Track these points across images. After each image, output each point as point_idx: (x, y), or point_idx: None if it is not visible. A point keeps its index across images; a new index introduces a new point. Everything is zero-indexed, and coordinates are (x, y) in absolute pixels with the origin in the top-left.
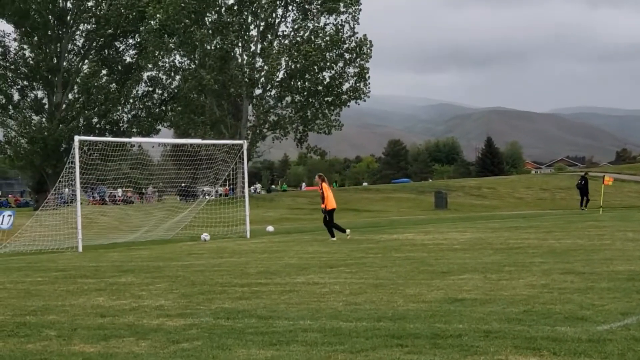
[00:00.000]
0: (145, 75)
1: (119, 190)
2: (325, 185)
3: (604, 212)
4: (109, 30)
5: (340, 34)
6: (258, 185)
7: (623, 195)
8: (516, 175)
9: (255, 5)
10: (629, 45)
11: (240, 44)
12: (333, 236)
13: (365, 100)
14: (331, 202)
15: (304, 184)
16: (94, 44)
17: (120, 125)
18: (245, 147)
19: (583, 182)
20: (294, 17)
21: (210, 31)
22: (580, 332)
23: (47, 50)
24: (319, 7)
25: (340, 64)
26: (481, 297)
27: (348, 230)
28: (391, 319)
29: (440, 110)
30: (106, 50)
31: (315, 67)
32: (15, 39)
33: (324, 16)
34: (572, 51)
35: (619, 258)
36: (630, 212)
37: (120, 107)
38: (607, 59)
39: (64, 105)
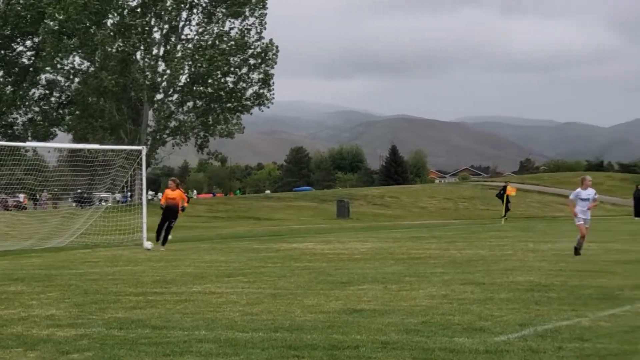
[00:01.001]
0: (43, 77)
1: (21, 195)
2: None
3: (506, 222)
4: (6, 32)
5: (245, 38)
6: (151, 193)
7: (526, 206)
8: (420, 185)
9: (159, 7)
10: (538, 55)
11: (142, 47)
12: (165, 241)
13: (268, 107)
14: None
15: (195, 191)
16: None
17: (15, 128)
18: (144, 152)
19: (502, 192)
20: (199, 20)
21: (112, 33)
22: (477, 343)
23: None
24: (224, 10)
25: (245, 69)
26: (380, 308)
27: (163, 248)
28: (288, 330)
29: (346, 117)
30: (2, 51)
31: (219, 72)
32: None
33: (229, 20)
34: (481, 60)
35: (519, 269)
36: (532, 222)
37: (15, 110)
38: (516, 69)
39: None
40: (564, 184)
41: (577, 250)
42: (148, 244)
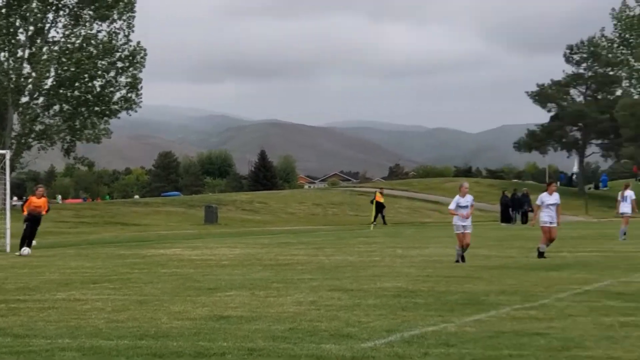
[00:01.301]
0: None
1: None
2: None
3: (375, 228)
4: None
5: (113, 42)
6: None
7: (394, 212)
8: (289, 190)
9: (24, 8)
10: (409, 61)
11: (7, 49)
12: (29, 246)
13: (136, 111)
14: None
15: (60, 196)
16: None
17: None
18: (8, 157)
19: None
20: (65, 22)
21: None
22: (344, 349)
23: None
24: (91, 13)
25: (112, 72)
26: (247, 315)
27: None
28: (154, 337)
29: (215, 121)
30: None
31: (86, 75)
32: None
33: (97, 23)
34: (351, 65)
35: (387, 275)
36: (401, 228)
37: None
38: (386, 74)
39: None
40: (432, 189)
41: (460, 258)
42: (25, 250)
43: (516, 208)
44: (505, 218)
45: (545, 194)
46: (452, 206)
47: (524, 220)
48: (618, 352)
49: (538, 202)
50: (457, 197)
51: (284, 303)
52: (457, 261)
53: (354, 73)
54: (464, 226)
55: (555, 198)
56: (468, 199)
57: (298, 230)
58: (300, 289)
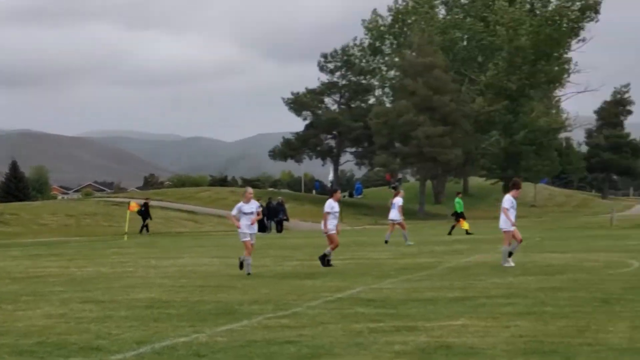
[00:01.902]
0: None
1: None
2: None
3: (129, 239)
4: None
5: None
6: None
7: (149, 222)
8: (42, 201)
9: None
10: (163, 70)
11: None
12: None
13: None
14: None
15: None
16: None
17: None
18: None
19: (144, 208)
20: None
21: None
22: None
23: None
24: None
25: None
26: None
27: None
28: None
29: None
30: None
31: None
32: None
33: None
34: (106, 74)
35: (140, 285)
36: (156, 238)
37: None
38: (141, 83)
39: None
40: (187, 199)
41: (242, 265)
42: None
43: (271, 217)
44: (260, 227)
45: (331, 200)
46: (233, 212)
47: (279, 228)
48: (367, 357)
49: (327, 209)
50: (241, 203)
51: (32, 316)
52: (241, 267)
53: (110, 82)
54: (250, 234)
55: (338, 206)
56: (253, 206)
57: (50, 242)
58: (51, 301)
